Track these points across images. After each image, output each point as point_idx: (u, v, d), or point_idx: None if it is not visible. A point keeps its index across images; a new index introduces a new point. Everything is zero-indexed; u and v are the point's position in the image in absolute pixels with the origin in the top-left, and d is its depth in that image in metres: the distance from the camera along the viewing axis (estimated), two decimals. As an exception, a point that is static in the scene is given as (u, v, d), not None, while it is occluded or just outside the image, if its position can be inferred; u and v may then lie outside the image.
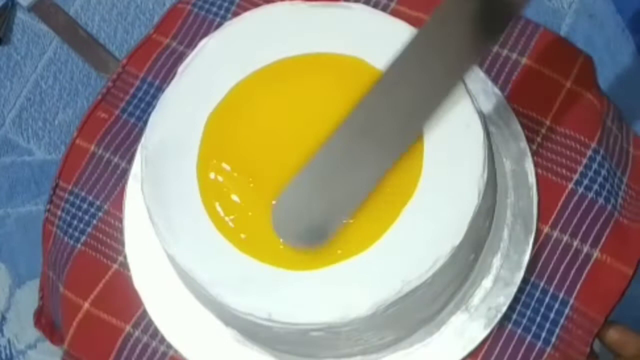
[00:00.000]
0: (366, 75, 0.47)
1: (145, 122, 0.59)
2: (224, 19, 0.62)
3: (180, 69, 0.50)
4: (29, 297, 0.92)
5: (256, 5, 0.61)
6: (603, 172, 0.54)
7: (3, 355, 0.91)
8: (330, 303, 0.43)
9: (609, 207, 0.53)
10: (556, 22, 0.94)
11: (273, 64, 0.49)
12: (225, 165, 0.46)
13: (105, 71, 0.98)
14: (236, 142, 0.47)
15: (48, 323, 0.63)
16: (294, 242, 0.43)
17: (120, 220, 0.57)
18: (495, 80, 0.57)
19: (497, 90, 0.56)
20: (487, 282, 0.52)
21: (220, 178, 0.46)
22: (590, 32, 0.93)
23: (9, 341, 0.91)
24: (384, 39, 0.48)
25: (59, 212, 0.59)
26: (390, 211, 0.44)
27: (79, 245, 0.58)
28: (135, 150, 0.58)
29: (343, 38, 0.48)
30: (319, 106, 0.47)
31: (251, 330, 0.48)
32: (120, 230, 0.57)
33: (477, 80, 0.56)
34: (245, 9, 0.61)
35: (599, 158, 0.54)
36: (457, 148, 0.45)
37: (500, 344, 0.51)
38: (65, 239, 0.58)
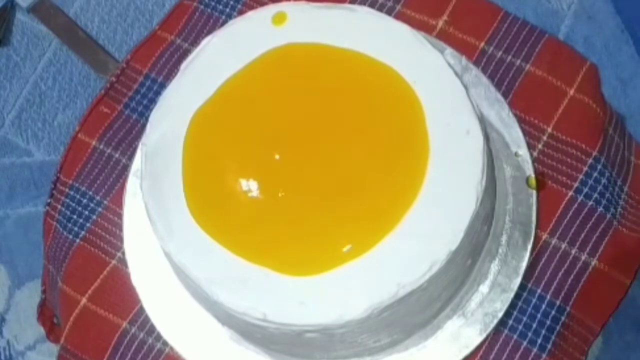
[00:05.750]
0: (365, 69, 0.47)
1: (147, 119, 0.59)
2: (229, 17, 0.62)
3: (183, 66, 0.50)
4: (28, 299, 0.93)
5: (262, 4, 0.61)
6: (603, 180, 0.54)
7: (2, 357, 0.91)
8: (326, 305, 0.43)
9: (609, 215, 0.53)
10: (555, 24, 0.94)
11: (266, 58, 0.49)
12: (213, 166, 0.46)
13: (104, 72, 0.98)
14: (223, 140, 0.47)
15: (49, 317, 0.63)
16: None
17: (120, 217, 0.57)
18: (498, 86, 0.57)
19: (499, 96, 0.56)
20: (484, 288, 0.51)
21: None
22: (589, 34, 0.93)
23: (8, 342, 0.92)
24: (386, 41, 0.48)
25: (59, 207, 0.60)
26: (392, 216, 0.44)
27: (78, 240, 0.58)
28: (136, 147, 0.58)
29: (346, 38, 0.48)
30: (314, 98, 0.47)
31: (246, 330, 0.48)
32: (120, 226, 0.57)
33: (480, 85, 0.56)
34: (252, 8, 0.61)
35: (599, 166, 0.54)
36: (457, 154, 0.45)
37: (495, 350, 0.51)
38: (65, 233, 0.58)
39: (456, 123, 0.45)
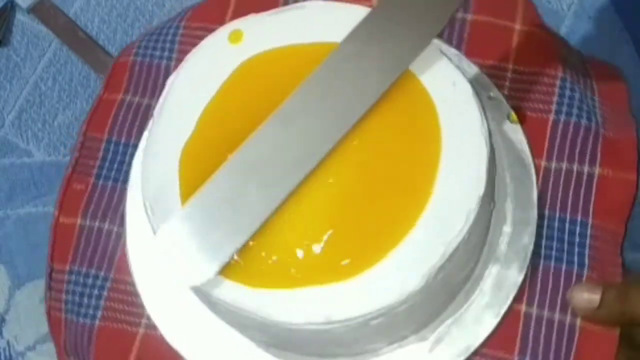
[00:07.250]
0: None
1: (124, 181, 0.58)
2: (169, 60, 0.62)
3: (156, 112, 0.50)
4: (28, 299, 0.91)
5: (197, 41, 0.60)
6: (577, 95, 0.56)
7: (2, 357, 0.89)
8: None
9: (593, 124, 0.55)
10: (556, 24, 0.95)
11: (234, 78, 0.49)
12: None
13: (104, 72, 0.98)
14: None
15: None
16: None
17: (131, 284, 0.55)
18: (449, 41, 0.58)
19: (454, 50, 0.58)
20: (507, 228, 0.53)
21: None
22: (589, 34, 0.95)
23: (8, 343, 0.89)
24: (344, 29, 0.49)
25: (63, 296, 0.57)
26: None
27: (97, 322, 0.55)
28: (122, 212, 0.57)
29: (308, 35, 0.49)
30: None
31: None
32: (135, 294, 0.55)
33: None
34: (188, 45, 0.60)
35: (568, 84, 0.56)
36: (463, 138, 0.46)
37: (539, 281, 0.52)
38: (80, 320, 0.56)
39: (462, 123, 0.46)
